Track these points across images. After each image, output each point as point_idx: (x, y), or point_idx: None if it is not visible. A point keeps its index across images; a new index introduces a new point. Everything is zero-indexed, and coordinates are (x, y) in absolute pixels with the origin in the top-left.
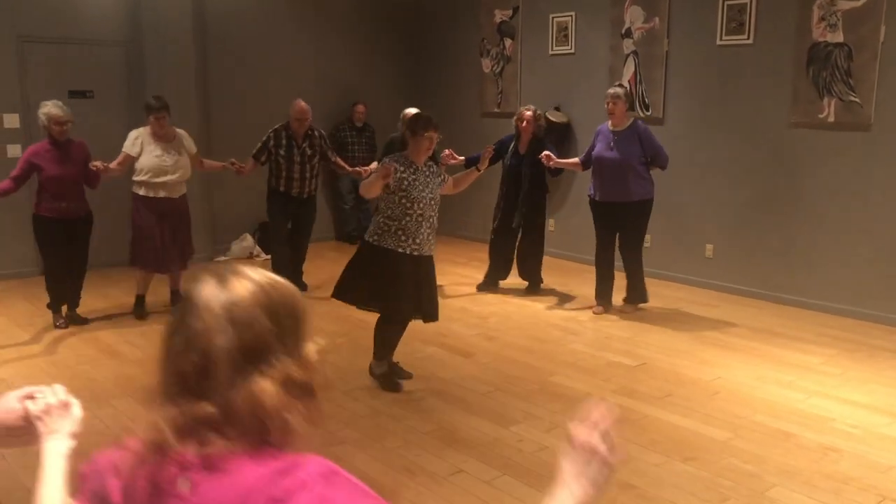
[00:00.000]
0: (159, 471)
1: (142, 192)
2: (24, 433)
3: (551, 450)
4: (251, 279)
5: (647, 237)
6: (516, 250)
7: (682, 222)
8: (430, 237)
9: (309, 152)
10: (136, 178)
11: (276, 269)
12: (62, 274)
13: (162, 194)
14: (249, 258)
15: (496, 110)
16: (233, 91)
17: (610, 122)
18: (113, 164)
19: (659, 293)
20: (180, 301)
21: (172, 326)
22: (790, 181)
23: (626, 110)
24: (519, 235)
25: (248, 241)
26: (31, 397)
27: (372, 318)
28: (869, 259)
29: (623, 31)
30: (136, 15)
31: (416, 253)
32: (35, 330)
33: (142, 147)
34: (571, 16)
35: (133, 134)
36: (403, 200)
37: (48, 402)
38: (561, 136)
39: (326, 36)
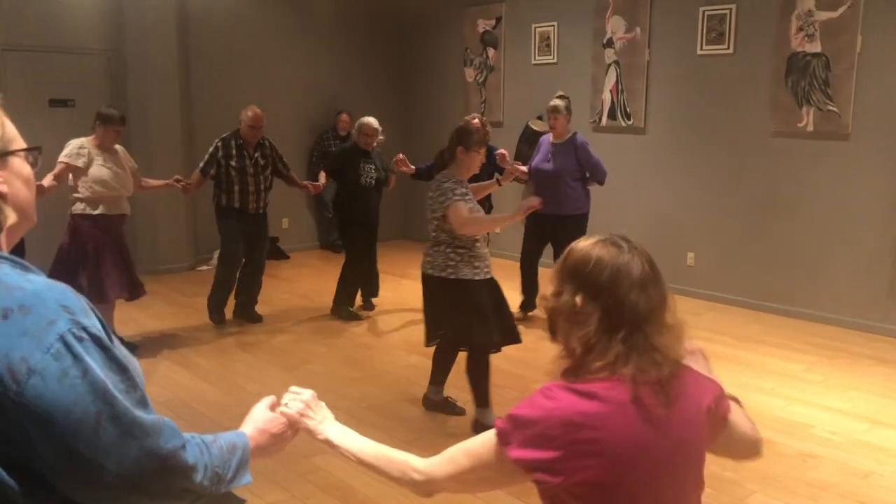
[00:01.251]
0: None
1: (87, 209)
2: (285, 438)
3: None
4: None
5: None
6: None
7: (663, 230)
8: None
9: (262, 162)
10: (77, 194)
11: (222, 291)
12: None
13: (101, 211)
14: None
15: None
16: (215, 99)
17: (551, 135)
18: (47, 181)
19: None
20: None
21: None
22: (770, 189)
23: (568, 122)
24: None
25: None
26: (275, 406)
27: (358, 329)
28: (848, 266)
29: (605, 41)
30: (119, 23)
31: (489, 276)
32: None
33: (89, 158)
34: (554, 26)
35: (76, 143)
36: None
37: (303, 399)
38: None
39: (311, 45)
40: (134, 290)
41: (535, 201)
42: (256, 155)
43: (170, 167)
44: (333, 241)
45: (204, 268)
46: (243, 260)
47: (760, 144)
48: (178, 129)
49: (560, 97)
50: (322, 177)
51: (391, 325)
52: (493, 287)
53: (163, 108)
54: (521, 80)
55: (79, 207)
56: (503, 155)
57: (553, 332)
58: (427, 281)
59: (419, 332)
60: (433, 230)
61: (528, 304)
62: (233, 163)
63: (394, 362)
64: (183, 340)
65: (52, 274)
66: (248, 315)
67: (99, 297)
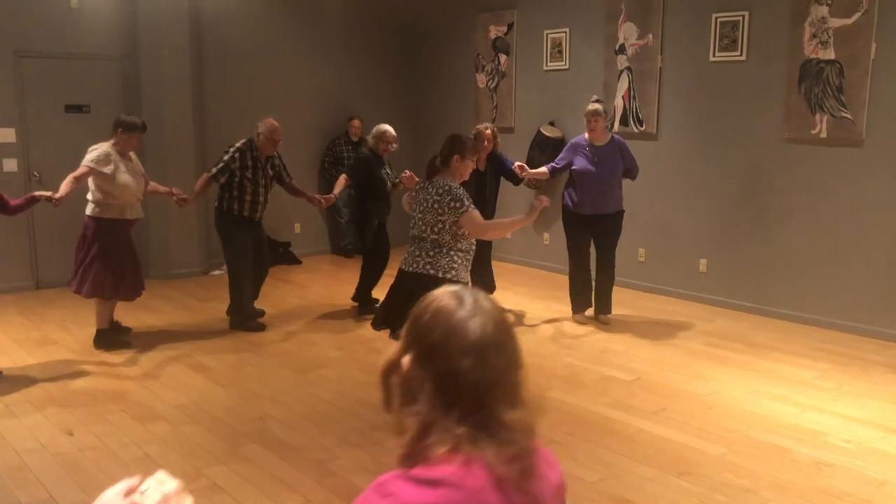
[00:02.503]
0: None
1: (113, 214)
2: None
3: None
4: (489, 305)
5: (642, 251)
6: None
7: (675, 237)
8: None
9: (271, 174)
10: (106, 200)
11: (240, 300)
12: None
13: (126, 216)
14: None
15: (491, 125)
16: (228, 106)
17: (589, 136)
18: (62, 192)
19: (653, 307)
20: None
21: None
22: (783, 196)
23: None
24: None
25: None
26: (133, 491)
27: (369, 332)
28: (862, 274)
29: (617, 48)
30: (133, 30)
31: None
32: (30, 344)
33: (115, 165)
34: (566, 32)
35: (103, 148)
36: None
37: (164, 492)
38: (555, 151)
39: (323, 51)
40: (140, 288)
41: (546, 201)
42: (267, 166)
43: (182, 172)
44: (345, 246)
45: (216, 272)
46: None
47: (773, 151)
48: (191, 135)
49: (597, 101)
50: (339, 185)
51: None
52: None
53: (176, 113)
54: (532, 86)
55: (106, 212)
56: (522, 167)
57: (385, 403)
58: (419, 280)
59: None
60: (435, 232)
61: (581, 305)
62: (248, 174)
63: None
64: (196, 344)
65: (98, 275)
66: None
67: (123, 294)
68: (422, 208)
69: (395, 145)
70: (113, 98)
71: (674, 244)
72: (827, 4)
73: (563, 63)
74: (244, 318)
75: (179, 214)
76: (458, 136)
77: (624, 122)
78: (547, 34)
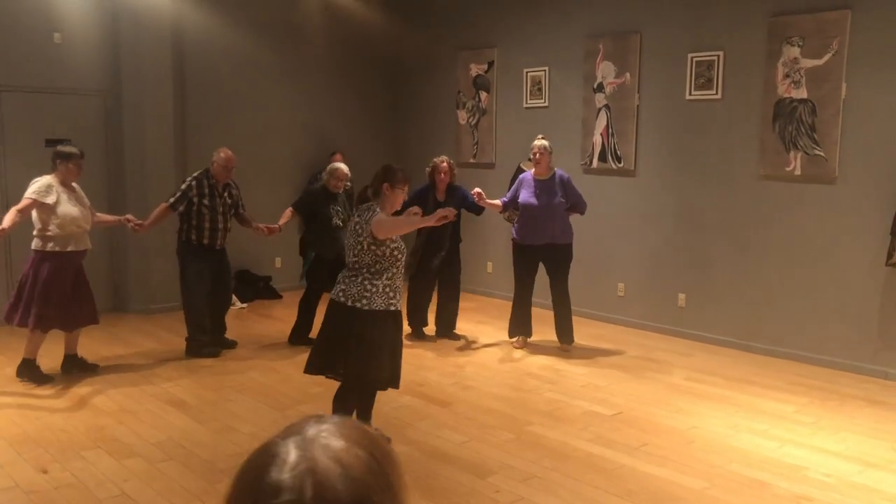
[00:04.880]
0: None
1: (56, 247)
2: None
3: (528, 500)
4: (350, 434)
5: (621, 286)
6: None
7: (654, 272)
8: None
9: (229, 202)
10: (48, 233)
11: (196, 325)
12: None
13: (71, 248)
14: None
15: (472, 161)
16: (211, 139)
17: (534, 171)
18: (6, 224)
19: (633, 342)
20: (76, 365)
21: None
22: (760, 232)
23: (549, 161)
24: (436, 283)
25: None
26: None
27: None
28: (837, 308)
29: (595, 86)
30: (115, 65)
31: (395, 308)
32: (3, 380)
33: (57, 196)
34: (545, 70)
35: (44, 181)
36: (396, 252)
37: None
38: None
39: (306, 85)
40: (96, 317)
41: (450, 212)
42: (225, 194)
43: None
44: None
45: None
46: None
47: (749, 187)
48: (173, 169)
49: (543, 138)
50: (285, 216)
51: None
52: (399, 322)
53: (158, 147)
54: (512, 122)
55: (49, 245)
56: (479, 194)
57: None
58: (333, 307)
59: (410, 372)
60: (355, 254)
61: (519, 331)
62: (205, 201)
63: (387, 403)
64: (174, 380)
65: (37, 306)
66: (221, 343)
67: (72, 325)
68: (349, 235)
69: (347, 183)
70: (94, 132)
71: (653, 279)
72: (798, 46)
73: (543, 101)
74: (198, 344)
75: (159, 249)
76: (388, 165)
77: (602, 158)
78: (527, 72)
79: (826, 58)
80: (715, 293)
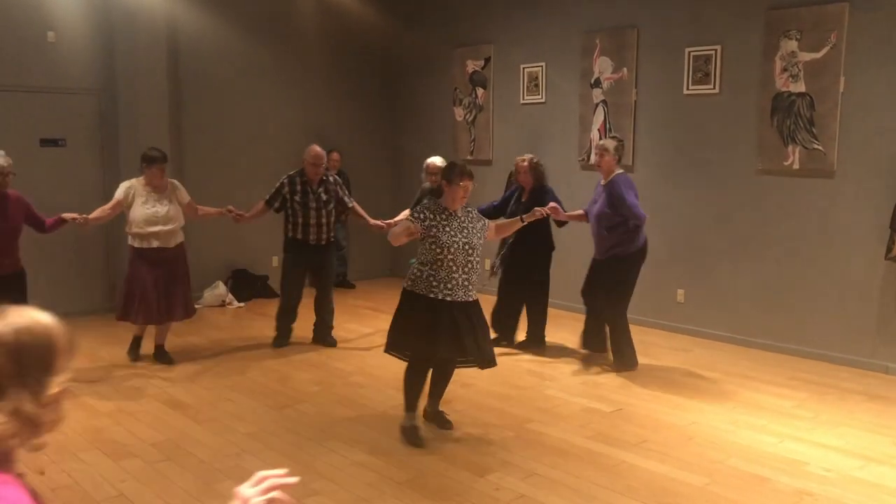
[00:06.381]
0: None
1: (136, 243)
2: None
3: (529, 498)
4: (5, 322)
5: None
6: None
7: (653, 267)
8: (467, 283)
9: (324, 198)
10: (128, 231)
11: (283, 316)
12: None
13: (155, 244)
14: (221, 306)
15: (469, 158)
16: (207, 139)
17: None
18: (93, 215)
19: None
20: (165, 358)
21: None
22: (758, 226)
23: (616, 162)
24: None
25: (220, 288)
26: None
27: (348, 367)
28: (835, 303)
29: (592, 81)
30: (110, 63)
31: (448, 298)
32: None
33: (133, 198)
34: (542, 66)
35: (125, 185)
36: (433, 247)
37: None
38: None
39: (302, 84)
40: (185, 312)
41: (415, 231)
42: (319, 190)
43: None
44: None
45: (196, 305)
46: (303, 289)
47: (747, 182)
48: (169, 168)
49: (612, 137)
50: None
51: (382, 364)
52: (455, 310)
53: (153, 146)
54: (509, 119)
55: (134, 242)
56: (556, 209)
57: None
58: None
59: None
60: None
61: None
62: (297, 198)
63: (385, 402)
64: (172, 380)
65: (125, 298)
66: (323, 340)
67: (156, 319)
68: None
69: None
70: (89, 132)
71: (651, 275)
72: (796, 39)
73: (540, 97)
74: (279, 337)
75: None
76: (451, 162)
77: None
78: (523, 68)
79: (824, 51)
80: (714, 289)
